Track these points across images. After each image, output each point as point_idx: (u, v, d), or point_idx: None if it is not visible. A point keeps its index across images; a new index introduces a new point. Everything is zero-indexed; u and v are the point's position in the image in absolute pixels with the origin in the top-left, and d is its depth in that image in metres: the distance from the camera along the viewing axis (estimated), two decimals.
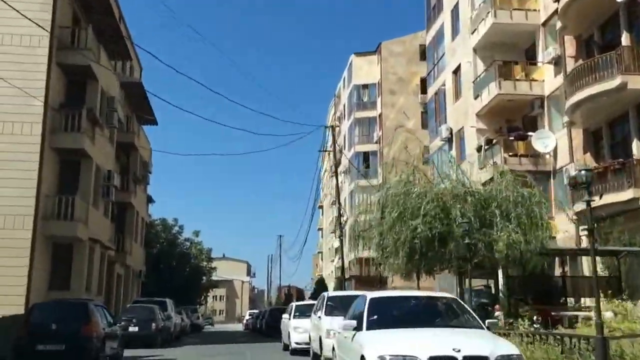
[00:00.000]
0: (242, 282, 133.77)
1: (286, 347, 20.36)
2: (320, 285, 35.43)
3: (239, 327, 73.98)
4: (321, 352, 14.21)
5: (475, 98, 30.03)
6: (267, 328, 32.29)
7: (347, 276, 54.90)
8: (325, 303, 15.71)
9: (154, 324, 22.29)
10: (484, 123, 29.81)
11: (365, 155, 57.97)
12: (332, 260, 68.10)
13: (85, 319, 13.52)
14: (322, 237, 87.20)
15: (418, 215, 16.23)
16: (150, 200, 40.84)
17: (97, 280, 27.54)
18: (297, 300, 56.70)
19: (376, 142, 56.74)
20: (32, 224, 22.76)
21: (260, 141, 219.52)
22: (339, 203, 30.05)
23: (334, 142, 36.81)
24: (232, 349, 21.45)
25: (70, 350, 13.11)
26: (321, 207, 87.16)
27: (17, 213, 22.52)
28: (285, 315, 19.38)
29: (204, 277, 50.22)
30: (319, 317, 15.19)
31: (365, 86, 59.39)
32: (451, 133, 33.90)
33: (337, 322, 11.33)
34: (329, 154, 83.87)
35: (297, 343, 17.96)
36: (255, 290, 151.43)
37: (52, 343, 13.10)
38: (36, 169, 23.17)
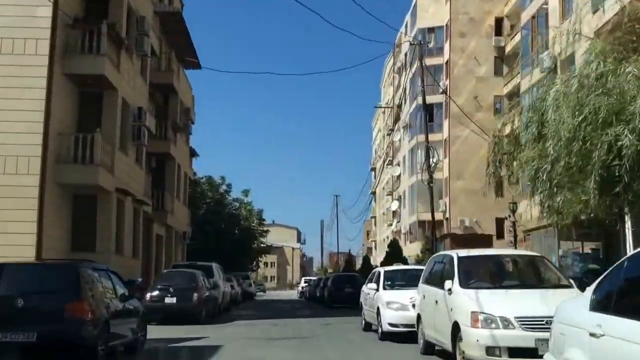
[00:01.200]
0: (293, 248, 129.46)
1: (368, 327, 14.83)
2: (394, 248, 29.45)
3: (292, 294, 69.32)
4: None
5: (595, 12, 23.39)
6: (330, 298, 26.97)
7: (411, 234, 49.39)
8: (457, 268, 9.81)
9: (196, 295, 17.09)
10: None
11: (429, 108, 51.37)
12: (390, 224, 62.34)
13: (72, 291, 8.13)
14: (375, 201, 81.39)
15: (611, 121, 9.53)
16: (193, 153, 35.70)
17: (131, 240, 22.46)
18: (346, 269, 51.19)
19: (442, 93, 50.16)
20: (39, 168, 17.68)
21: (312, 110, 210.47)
22: (427, 138, 23.75)
23: (421, 61, 30.18)
24: (296, 328, 16.05)
25: (45, 344, 7.83)
26: (374, 169, 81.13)
27: (19, 153, 17.47)
28: (370, 286, 13.69)
29: (255, 241, 45.18)
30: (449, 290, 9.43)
31: (431, 29, 52.57)
32: (555, 62, 27.24)
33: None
34: (383, 111, 77.64)
35: (391, 325, 12.33)
36: (304, 257, 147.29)
37: (17, 331, 7.80)
38: (43, 98, 18.01)
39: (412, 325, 11.78)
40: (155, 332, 14.99)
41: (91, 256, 19.52)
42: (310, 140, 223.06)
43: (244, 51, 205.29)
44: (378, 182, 64.78)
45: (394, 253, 27.51)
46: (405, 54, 59.05)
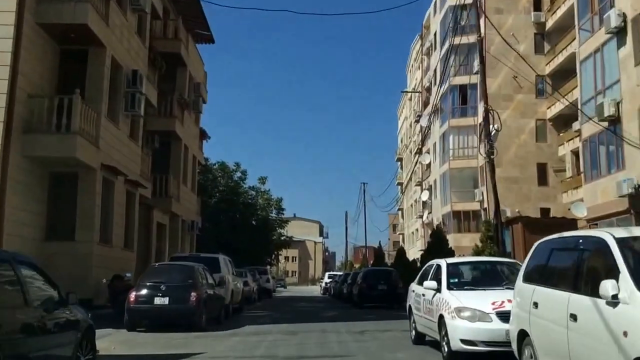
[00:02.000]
0: (315, 243, 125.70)
1: (420, 339, 10.92)
2: (438, 238, 24.89)
3: (313, 290, 65.52)
4: None
5: None
6: (361, 297, 23.06)
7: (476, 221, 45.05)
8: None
9: (193, 294, 13.31)
10: None
11: (462, 90, 47.17)
12: (420, 216, 58.18)
13: None
14: (402, 192, 77.20)
15: None
16: (204, 135, 32.03)
17: (123, 229, 18.83)
18: (376, 264, 47.27)
19: (476, 73, 45.82)
20: (1, 136, 14.11)
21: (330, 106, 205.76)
22: (487, 99, 19.66)
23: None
24: (322, 340, 12.11)
25: None
26: (400, 159, 76.96)
27: None
28: (428, 284, 9.60)
29: (274, 233, 41.32)
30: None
31: (463, 6, 48.00)
32: (624, 21, 22.96)
33: None
34: (410, 98, 73.33)
35: (465, 341, 8.35)
36: (327, 252, 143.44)
37: None
38: (9, 50, 14.47)
39: (498, 344, 7.88)
40: (128, 344, 11.26)
41: (69, 246, 15.98)
42: (333, 131, 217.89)
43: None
44: (411, 172, 60.57)
45: (438, 244, 23.20)
46: (435, 34, 54.83)
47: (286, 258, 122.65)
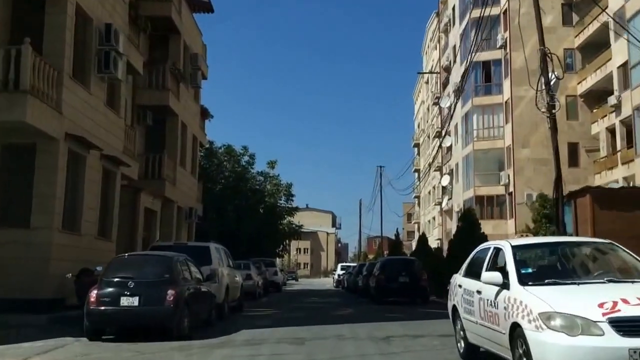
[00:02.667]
0: (327, 233, 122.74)
1: (471, 353, 7.79)
2: (469, 222, 21.03)
3: (326, 283, 62.49)
4: None
5: None
6: (379, 290, 19.95)
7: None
8: None
9: (170, 292, 10.26)
10: None
11: (485, 66, 43.73)
12: (438, 202, 54.93)
13: None
14: (418, 179, 73.95)
15: None
16: (206, 114, 28.99)
17: (97, 213, 15.83)
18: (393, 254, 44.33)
19: (500, 48, 42.49)
20: None
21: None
22: (542, 40, 16.22)
23: None
24: (336, 352, 9.08)
25: None
26: (417, 145, 73.66)
27: None
28: (486, 277, 6.47)
29: (283, 221, 38.21)
30: None
31: None
32: None
33: None
34: (426, 81, 69.91)
35: None
36: (339, 244, 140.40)
37: None
38: None
39: None
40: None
41: (23, 234, 13.02)
42: (345, 117, 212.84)
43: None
44: (430, 157, 57.32)
45: (469, 229, 19.74)
46: (453, 8, 51.36)
47: (298, 250, 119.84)
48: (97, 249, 15.17)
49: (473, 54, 43.22)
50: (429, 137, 65.25)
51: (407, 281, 19.32)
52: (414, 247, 46.87)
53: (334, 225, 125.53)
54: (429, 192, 65.13)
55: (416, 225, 73.56)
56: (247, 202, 33.47)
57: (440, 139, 52.96)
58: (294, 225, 39.22)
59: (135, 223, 19.64)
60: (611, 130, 36.54)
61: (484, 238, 22.63)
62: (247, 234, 32.39)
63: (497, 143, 42.30)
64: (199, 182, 28.89)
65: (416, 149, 74.67)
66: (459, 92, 47.36)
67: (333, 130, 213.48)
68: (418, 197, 73.64)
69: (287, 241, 39.82)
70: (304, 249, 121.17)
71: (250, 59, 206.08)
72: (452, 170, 48.82)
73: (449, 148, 49.68)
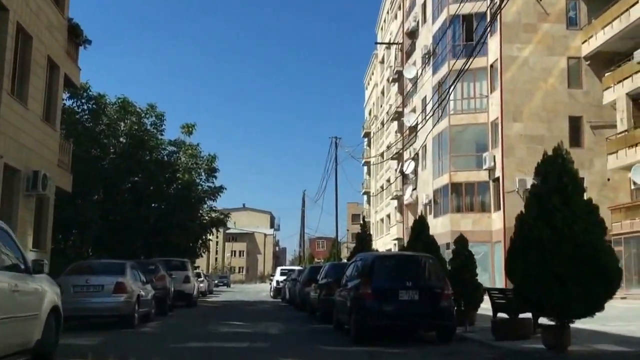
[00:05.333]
0: (265, 235, 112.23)
1: None
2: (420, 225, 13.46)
3: (262, 290, 52.29)
4: None
5: None
6: (364, 320, 9.82)
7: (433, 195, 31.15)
8: None
9: None
10: None
11: (466, 21, 34.73)
12: (395, 197, 45.82)
13: None
14: (368, 174, 65.10)
15: None
16: (77, 34, 18.57)
17: None
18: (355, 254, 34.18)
19: None
20: None
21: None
22: None
23: None
24: None
25: None
26: (367, 135, 64.65)
27: None
28: None
29: (204, 209, 27.46)
30: None
31: None
32: None
33: None
34: (381, 60, 61.06)
35: None
36: (278, 247, 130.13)
37: None
38: None
39: None
40: None
41: None
42: (288, 108, 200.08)
43: None
44: (389, 145, 48.24)
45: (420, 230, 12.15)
46: None
47: (232, 252, 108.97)
48: None
49: (447, 7, 34.20)
50: (382, 124, 56.38)
51: (415, 298, 9.71)
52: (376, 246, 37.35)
53: (272, 226, 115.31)
54: (382, 187, 56.13)
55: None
56: (150, 180, 23.15)
57: (401, 119, 44.05)
58: (217, 213, 28.36)
59: None
60: (634, 97, 28.28)
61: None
62: (148, 223, 22.17)
63: (479, 117, 33.52)
64: (66, 141, 18.58)
65: (366, 139, 65.71)
66: (428, 56, 38.57)
67: (272, 127, 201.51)
68: (367, 193, 64.69)
69: (209, 234, 29.06)
70: (240, 251, 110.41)
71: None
72: (417, 154, 39.79)
73: (413, 128, 40.60)
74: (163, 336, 11.78)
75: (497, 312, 11.10)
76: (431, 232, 16.42)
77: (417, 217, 15.86)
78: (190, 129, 25.77)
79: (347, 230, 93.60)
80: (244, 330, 12.60)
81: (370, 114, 64.81)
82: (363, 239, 24.07)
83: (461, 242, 11.61)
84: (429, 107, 35.66)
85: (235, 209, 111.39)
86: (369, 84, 67.44)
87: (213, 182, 26.82)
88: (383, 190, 55.44)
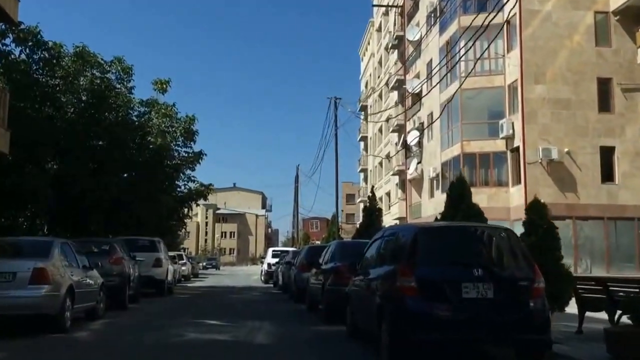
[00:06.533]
0: (257, 216, 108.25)
1: None
2: (460, 188, 10.32)
3: (253, 272, 48.51)
4: None
5: None
6: (408, 329, 5.95)
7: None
8: None
9: None
10: None
11: None
12: (398, 172, 41.97)
13: None
14: (365, 149, 61.23)
15: None
16: None
17: None
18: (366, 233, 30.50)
19: None
20: None
21: None
22: None
23: None
24: None
25: None
26: (364, 108, 60.45)
27: None
28: None
29: (182, 178, 23.50)
30: None
31: None
32: None
33: None
34: (378, 28, 56.92)
35: None
36: (269, 228, 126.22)
37: None
38: None
39: None
40: None
41: None
42: (279, 84, 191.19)
43: None
44: (381, 117, 44.25)
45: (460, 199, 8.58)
46: None
47: (223, 233, 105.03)
48: None
49: None
50: (380, 96, 52.42)
51: (487, 296, 5.88)
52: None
53: (264, 207, 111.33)
54: (380, 163, 52.31)
55: (361, 205, 60.52)
56: (115, 144, 19.13)
57: (402, 87, 40.08)
58: (197, 184, 24.00)
59: None
60: None
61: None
62: (111, 196, 18.20)
63: (495, 80, 29.62)
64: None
65: (362, 113, 61.57)
66: (435, 15, 34.55)
67: (264, 104, 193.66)
68: (364, 170, 60.86)
69: (186, 209, 24.73)
70: (230, 232, 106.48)
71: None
72: (421, 124, 35.87)
73: (417, 96, 36.67)
74: (94, 349, 7.92)
75: (584, 312, 7.41)
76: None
77: (455, 179, 11.99)
78: (164, 86, 21.61)
79: (342, 210, 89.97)
80: (218, 337, 8.76)
81: (366, 86, 60.67)
82: (372, 212, 20.22)
83: (537, 208, 7.79)
84: (435, 72, 31.61)
85: (226, 189, 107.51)
86: (365, 53, 63.23)
87: (191, 148, 22.75)
88: (382, 166, 51.64)
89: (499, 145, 28.83)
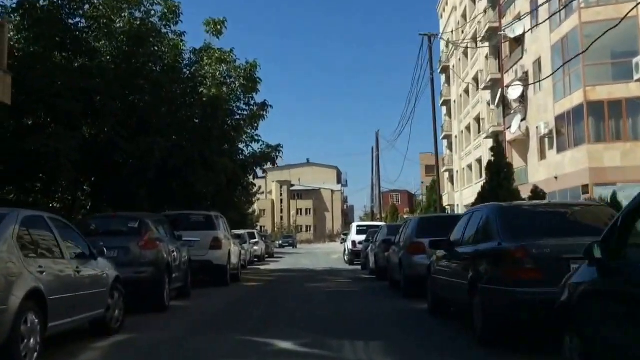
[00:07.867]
0: (332, 191, 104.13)
1: None
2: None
3: (333, 251, 44.35)
4: None
5: None
6: None
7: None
8: None
9: None
10: None
11: None
12: (492, 135, 36.37)
13: None
14: (447, 115, 55.50)
15: None
16: None
17: None
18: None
19: None
20: None
21: None
22: None
23: None
24: None
25: None
26: (445, 69, 54.43)
27: None
28: None
29: (244, 140, 18.82)
30: None
31: None
32: None
33: None
34: None
35: None
36: (346, 205, 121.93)
37: None
38: None
39: None
40: None
41: None
42: (350, 62, 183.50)
43: None
44: (453, 87, 38.61)
45: None
46: None
47: (298, 210, 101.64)
48: None
49: None
50: (465, 54, 46.63)
51: None
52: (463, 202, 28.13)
53: (339, 182, 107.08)
54: (467, 128, 46.68)
55: (446, 174, 55.03)
56: (159, 98, 15.01)
57: (498, 34, 34.28)
58: (263, 145, 19.02)
59: None
60: None
61: None
62: (156, 161, 14.18)
63: (623, 8, 23.45)
64: None
65: (443, 75, 55.73)
66: None
67: (339, 79, 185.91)
68: (448, 137, 55.21)
69: (250, 176, 19.74)
70: (306, 209, 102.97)
71: None
72: (525, 74, 30.12)
73: (517, 40, 30.93)
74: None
75: None
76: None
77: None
78: (219, 27, 17.23)
79: (422, 182, 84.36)
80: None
81: (447, 46, 54.64)
82: (499, 170, 15.18)
83: None
84: (544, 2, 25.88)
85: (299, 165, 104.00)
86: (444, 10, 57.14)
87: (253, 99, 18.09)
88: (469, 131, 45.96)
89: (632, 89, 23.02)
